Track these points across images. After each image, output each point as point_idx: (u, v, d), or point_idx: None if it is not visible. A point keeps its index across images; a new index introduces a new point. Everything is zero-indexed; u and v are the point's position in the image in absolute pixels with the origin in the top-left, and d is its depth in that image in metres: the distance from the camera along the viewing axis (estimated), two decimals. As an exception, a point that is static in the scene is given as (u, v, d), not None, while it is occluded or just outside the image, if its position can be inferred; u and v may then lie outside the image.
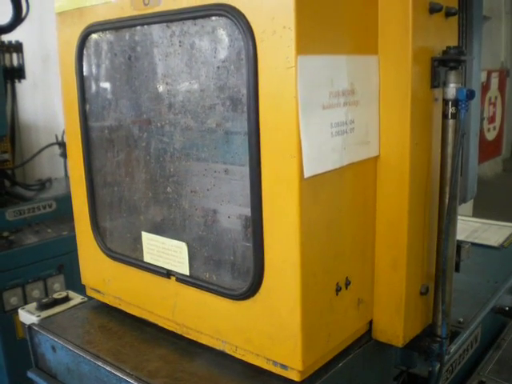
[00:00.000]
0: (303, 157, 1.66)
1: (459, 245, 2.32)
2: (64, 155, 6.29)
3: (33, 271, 4.96)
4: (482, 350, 2.97)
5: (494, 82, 3.08)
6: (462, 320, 2.62)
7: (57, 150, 6.41)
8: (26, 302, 4.73)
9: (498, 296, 2.96)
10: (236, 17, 1.68)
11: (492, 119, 3.06)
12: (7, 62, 6.00)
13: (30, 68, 6.43)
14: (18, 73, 6.14)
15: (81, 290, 2.71)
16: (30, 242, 5.02)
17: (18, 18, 5.72)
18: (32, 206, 5.32)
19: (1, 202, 5.40)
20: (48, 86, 7.94)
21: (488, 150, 2.75)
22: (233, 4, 1.69)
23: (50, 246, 5.06)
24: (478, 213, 4.41)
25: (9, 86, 6.10)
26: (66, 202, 5.25)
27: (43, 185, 6.04)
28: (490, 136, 3.16)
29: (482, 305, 2.82)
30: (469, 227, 4.13)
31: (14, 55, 6.07)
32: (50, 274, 5.07)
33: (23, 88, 7.19)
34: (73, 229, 2.57)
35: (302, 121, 1.64)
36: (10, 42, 6.03)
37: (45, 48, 7.77)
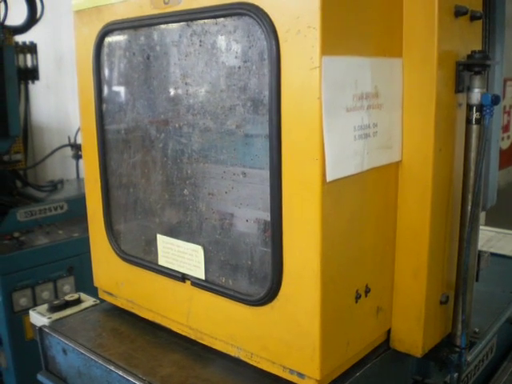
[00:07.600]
0: (326, 160, 1.62)
1: (479, 253, 2.27)
2: (76, 157, 6.30)
3: (43, 272, 4.95)
4: (497, 361, 2.93)
5: (509, 90, 3.01)
6: (477, 330, 2.57)
7: (69, 151, 6.41)
8: (35, 304, 4.71)
9: (515, 307, 2.91)
10: (259, 16, 1.65)
11: (506, 128, 3.00)
12: (21, 63, 5.99)
13: (43, 70, 6.43)
14: (32, 74, 6.12)
15: (91, 292, 2.68)
16: (41, 243, 5.01)
17: (32, 19, 5.73)
18: (43, 207, 5.30)
19: (12, 202, 5.40)
20: (61, 88, 7.96)
21: (502, 159, 2.70)
22: (256, 3, 1.66)
23: (60, 248, 5.05)
24: (490, 222, 4.37)
25: (22, 86, 6.10)
26: (77, 203, 5.32)
27: (55, 186, 6.04)
28: (504, 145, 3.10)
29: (497, 315, 2.78)
30: (483, 236, 4.08)
31: (28, 56, 6.06)
32: (60, 276, 5.06)
33: (36, 89, 7.20)
34: (84, 231, 2.55)
35: (325, 123, 1.60)
36: (24, 43, 6.02)
37: (58, 51, 7.79)
